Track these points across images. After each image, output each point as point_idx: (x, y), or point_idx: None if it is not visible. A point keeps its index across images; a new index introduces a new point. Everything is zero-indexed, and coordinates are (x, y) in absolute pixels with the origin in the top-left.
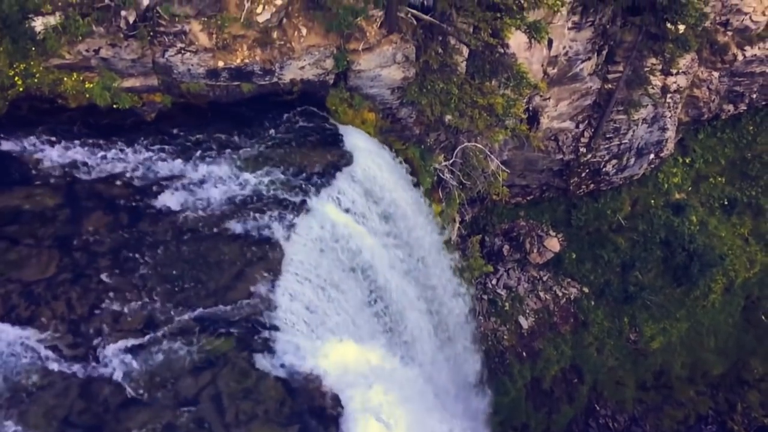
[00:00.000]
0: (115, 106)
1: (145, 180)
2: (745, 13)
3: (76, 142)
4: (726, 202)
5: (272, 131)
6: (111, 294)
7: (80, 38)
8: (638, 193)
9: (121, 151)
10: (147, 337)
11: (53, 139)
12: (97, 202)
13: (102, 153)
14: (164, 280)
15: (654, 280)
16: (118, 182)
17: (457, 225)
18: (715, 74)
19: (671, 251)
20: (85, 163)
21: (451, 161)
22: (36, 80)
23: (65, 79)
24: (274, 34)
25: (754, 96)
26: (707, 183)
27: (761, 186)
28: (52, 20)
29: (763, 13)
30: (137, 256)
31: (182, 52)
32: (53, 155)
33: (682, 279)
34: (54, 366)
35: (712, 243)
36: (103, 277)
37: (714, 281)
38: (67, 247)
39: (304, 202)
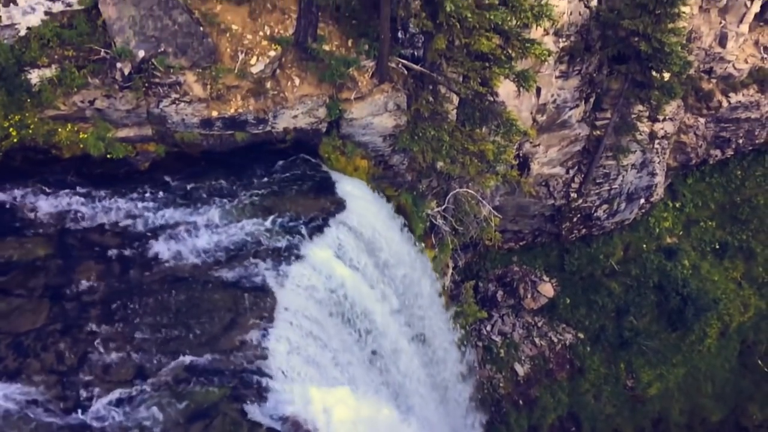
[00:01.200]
0: (108, 156)
1: (137, 228)
2: (728, 61)
3: (69, 191)
4: (717, 246)
5: (265, 179)
6: (101, 344)
7: (75, 90)
8: (630, 238)
9: (114, 200)
10: (137, 387)
11: (46, 189)
12: (89, 252)
13: (95, 202)
14: (155, 330)
15: (649, 325)
16: (111, 231)
17: (451, 271)
18: (702, 120)
19: (665, 296)
20: (77, 213)
21: (443, 207)
22: (30, 131)
23: (60, 129)
24: (268, 84)
25: (741, 141)
26: (698, 227)
27: (751, 230)
28: (48, 72)
29: (745, 61)
30: (128, 305)
31: (177, 102)
32: (46, 205)
33: (677, 323)
34: (42, 419)
35: (705, 287)
36: (93, 327)
37: (709, 326)
38: (57, 297)
39: (297, 249)
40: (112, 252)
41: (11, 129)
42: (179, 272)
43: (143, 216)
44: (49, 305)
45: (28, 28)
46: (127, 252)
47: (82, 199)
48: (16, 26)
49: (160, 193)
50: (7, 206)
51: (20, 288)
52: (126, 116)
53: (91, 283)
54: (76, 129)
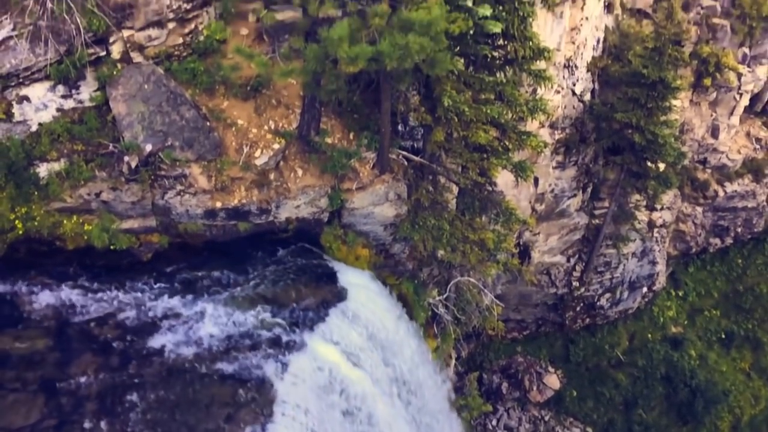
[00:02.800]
0: (112, 247)
1: (138, 320)
2: (721, 152)
3: (71, 283)
4: (723, 336)
5: (267, 268)
6: None
7: (83, 183)
8: (635, 327)
9: (116, 292)
10: None
11: (48, 281)
12: (88, 344)
13: (96, 294)
14: (152, 425)
15: (659, 418)
16: (111, 323)
17: (454, 362)
18: (699, 209)
19: (673, 387)
20: (78, 305)
21: (444, 296)
22: (36, 223)
23: (65, 221)
24: (271, 176)
25: (739, 230)
26: (702, 316)
27: (756, 319)
28: (57, 166)
29: (738, 152)
30: (125, 399)
31: (181, 194)
32: (46, 297)
33: (687, 417)
34: None
35: (714, 378)
36: (88, 423)
37: (720, 419)
38: (53, 391)
39: (297, 340)
40: (111, 344)
41: (17, 221)
42: (178, 365)
43: (144, 307)
44: (44, 399)
45: (40, 124)
46: (126, 344)
47: (84, 292)
48: (28, 122)
49: (162, 284)
50: (8, 298)
51: (16, 382)
52: (131, 208)
53: (88, 376)
54: (81, 221)
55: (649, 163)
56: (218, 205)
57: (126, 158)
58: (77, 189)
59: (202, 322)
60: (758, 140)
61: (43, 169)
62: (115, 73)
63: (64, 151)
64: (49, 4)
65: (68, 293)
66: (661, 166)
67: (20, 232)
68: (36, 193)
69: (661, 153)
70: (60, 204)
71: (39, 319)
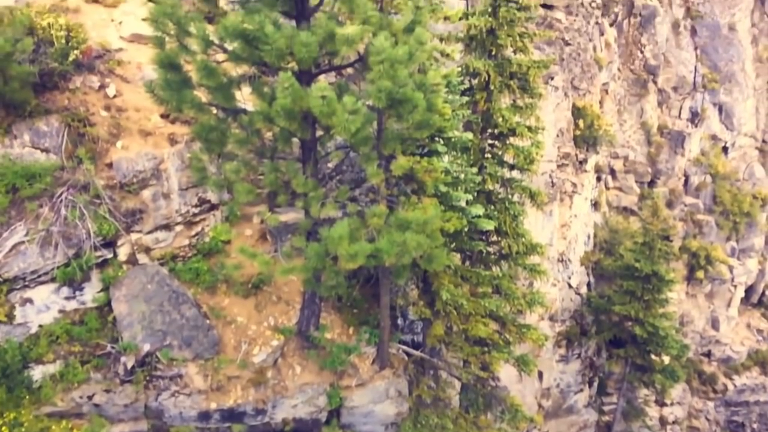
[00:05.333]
0: None
1: None
2: (725, 344)
3: None
4: None
5: None
6: None
7: (76, 385)
8: None
9: None
10: None
11: None
12: None
13: None
14: None
15: None
16: None
17: None
18: (710, 404)
19: None
20: None
21: None
22: (23, 429)
23: (53, 427)
24: (269, 374)
25: (755, 425)
26: None
27: None
28: (52, 369)
29: (742, 343)
30: None
31: (176, 395)
32: None
33: None
34: None
35: None
36: None
37: None
38: None
39: None
40: None
41: (4, 428)
42: None
43: None
44: None
45: (40, 326)
46: None
47: None
48: (29, 324)
49: None
50: None
51: None
52: (123, 411)
53: None
54: (70, 426)
55: (653, 356)
56: (213, 406)
57: (123, 359)
58: (70, 392)
59: None
60: (760, 331)
61: (37, 372)
62: (120, 274)
63: (61, 352)
64: (63, 211)
65: None
66: (666, 359)
67: None
68: (27, 397)
69: (664, 345)
70: (50, 408)
71: None
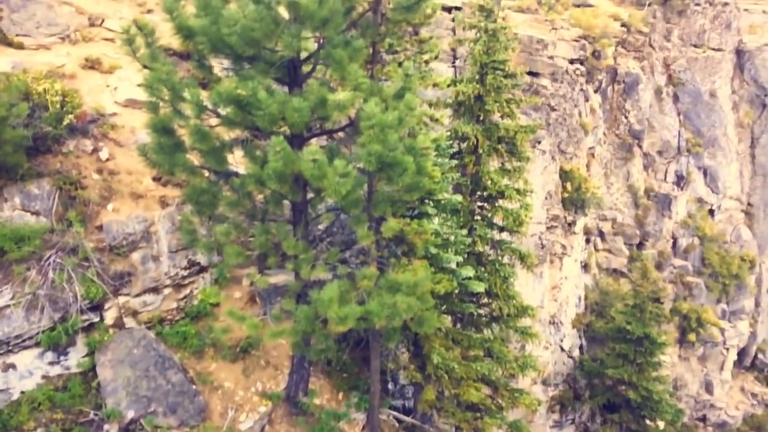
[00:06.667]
0: None
1: None
2: (719, 408)
3: None
4: None
5: None
6: None
7: None
8: None
9: None
10: None
11: None
12: None
13: None
14: None
15: None
16: None
17: None
18: None
19: None
20: None
21: None
22: None
23: None
24: None
25: None
26: None
27: None
28: None
29: (736, 407)
30: None
31: None
32: None
33: None
34: None
35: None
36: None
37: None
38: None
39: None
40: None
41: None
42: None
43: None
44: None
45: (22, 392)
46: None
47: None
48: (11, 390)
49: None
50: None
51: None
52: None
53: None
54: None
55: (648, 421)
56: None
57: (106, 426)
58: None
59: None
60: (754, 395)
61: None
62: (106, 338)
63: (43, 420)
64: (50, 275)
65: None
66: (661, 424)
67: None
68: None
69: (659, 410)
70: None
71: None
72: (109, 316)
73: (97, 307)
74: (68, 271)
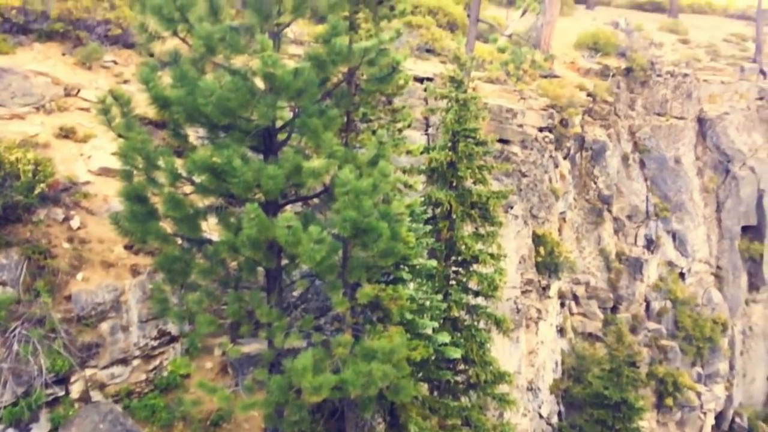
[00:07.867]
0: None
1: None
2: None
3: None
4: None
5: None
6: None
7: None
8: None
9: None
10: None
11: None
12: None
13: None
14: None
15: None
16: None
17: None
18: None
19: None
20: None
21: None
22: None
23: None
24: None
25: None
26: None
27: None
28: None
29: None
30: None
31: None
32: None
33: None
34: None
35: None
36: None
37: None
38: None
39: None
40: None
41: None
42: None
43: None
44: None
45: None
46: None
47: None
48: None
49: None
50: None
51: None
52: None
53: None
54: None
55: None
56: None
57: None
58: None
59: None
60: None
61: None
62: (71, 413)
63: None
64: (15, 347)
65: None
66: None
67: None
68: None
69: None
70: None
71: None
72: (75, 390)
73: (62, 380)
74: (34, 343)
